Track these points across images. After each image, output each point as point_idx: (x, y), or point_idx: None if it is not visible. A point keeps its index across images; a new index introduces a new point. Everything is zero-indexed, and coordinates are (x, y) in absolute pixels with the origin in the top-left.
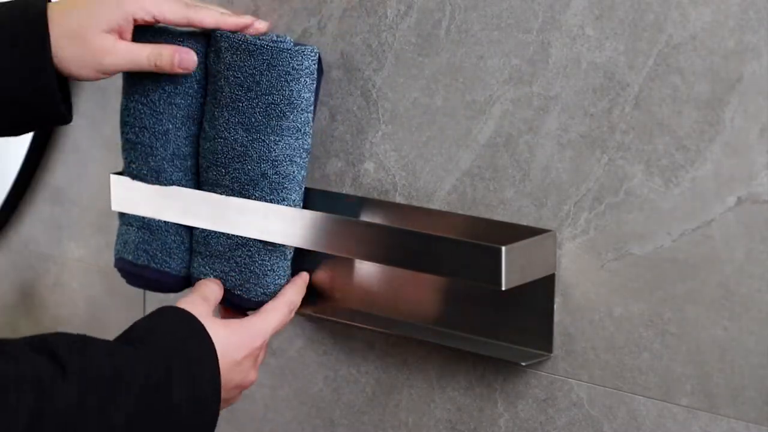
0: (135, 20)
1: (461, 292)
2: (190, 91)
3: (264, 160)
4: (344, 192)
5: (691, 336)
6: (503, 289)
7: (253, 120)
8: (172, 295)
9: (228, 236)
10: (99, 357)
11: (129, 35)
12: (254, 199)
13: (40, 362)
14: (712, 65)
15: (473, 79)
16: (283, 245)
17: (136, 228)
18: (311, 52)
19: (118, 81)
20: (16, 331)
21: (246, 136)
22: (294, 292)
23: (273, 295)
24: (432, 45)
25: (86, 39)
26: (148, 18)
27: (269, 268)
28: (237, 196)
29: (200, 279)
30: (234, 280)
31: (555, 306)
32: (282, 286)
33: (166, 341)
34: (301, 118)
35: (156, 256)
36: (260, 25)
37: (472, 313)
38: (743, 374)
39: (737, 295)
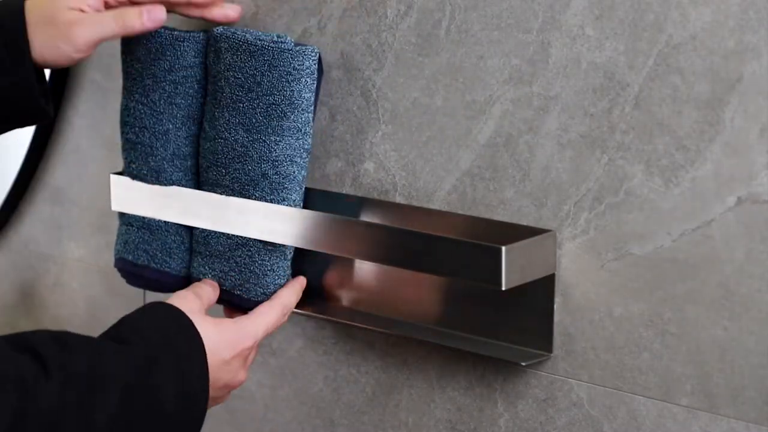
0: None
1: (461, 292)
2: (191, 91)
3: (264, 160)
4: (344, 192)
5: (691, 336)
6: (503, 289)
7: (253, 120)
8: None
9: (228, 236)
10: (82, 354)
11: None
12: (254, 199)
13: (23, 361)
14: (712, 65)
15: (473, 79)
16: (283, 245)
17: (136, 228)
18: (312, 52)
19: (118, 81)
20: (16, 331)
21: (246, 137)
22: (289, 294)
23: (273, 294)
24: (432, 45)
25: (55, 18)
26: None
27: (269, 268)
28: (237, 196)
29: (200, 279)
30: (234, 280)
31: (555, 306)
32: (282, 286)
33: (154, 336)
34: (301, 119)
35: (156, 256)
36: (231, 12)
37: (472, 313)
38: (743, 374)
39: (737, 295)
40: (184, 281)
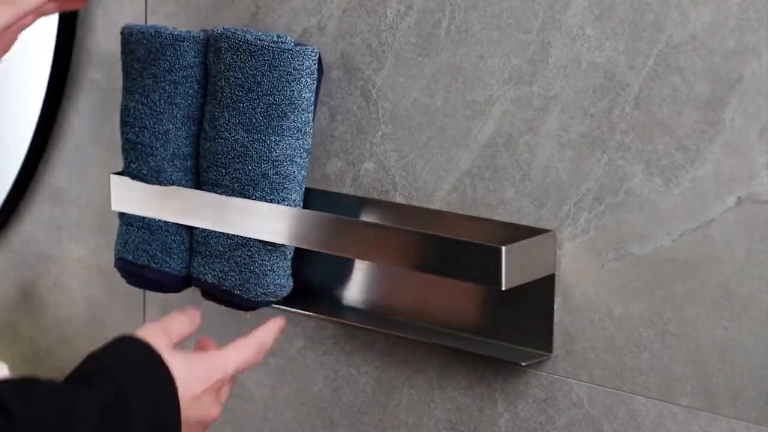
0: None
1: (461, 292)
2: (191, 91)
3: (264, 160)
4: (344, 192)
5: (691, 336)
6: (503, 289)
7: (253, 120)
8: (171, 296)
9: (228, 236)
10: (47, 399)
11: None
12: (254, 199)
13: None
14: (712, 65)
15: (473, 79)
16: (283, 245)
17: (136, 228)
18: (312, 52)
19: (118, 81)
20: (16, 331)
21: (246, 137)
22: (267, 333)
23: (273, 294)
24: (432, 45)
25: None
26: None
27: (269, 268)
28: (237, 196)
29: (200, 279)
30: (234, 280)
31: (555, 306)
32: (282, 286)
33: (121, 371)
34: (301, 119)
35: (156, 256)
36: None
37: (472, 313)
38: (743, 374)
39: (737, 295)
40: (184, 281)
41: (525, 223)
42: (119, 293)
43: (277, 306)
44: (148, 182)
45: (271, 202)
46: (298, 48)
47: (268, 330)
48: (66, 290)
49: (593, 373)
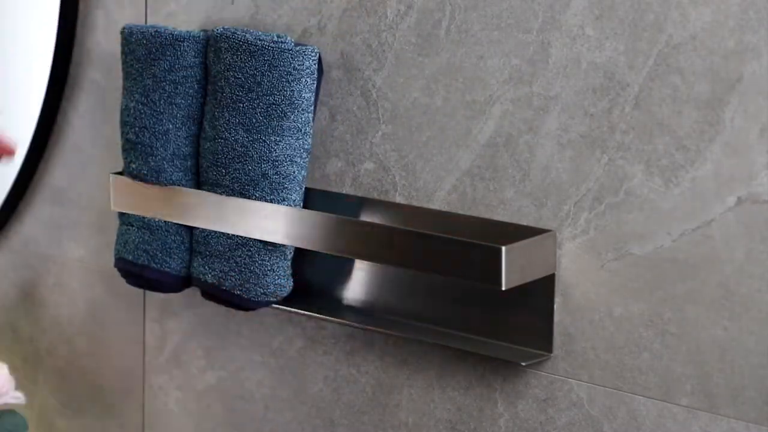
0: None
1: (461, 292)
2: (191, 91)
3: (264, 160)
4: (344, 192)
5: (691, 336)
6: (503, 289)
7: (253, 120)
8: (171, 296)
9: (228, 236)
10: None
11: None
12: (254, 199)
13: None
14: (712, 65)
15: (473, 79)
16: (283, 245)
17: (136, 228)
18: (312, 52)
19: (118, 81)
20: (17, 331)
21: (246, 137)
22: None
23: (273, 294)
24: (432, 45)
25: None
26: None
27: (269, 268)
28: (237, 196)
29: (200, 279)
30: (234, 280)
31: (555, 306)
32: (282, 286)
33: None
34: (301, 119)
35: (156, 256)
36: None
37: (472, 313)
38: (743, 374)
39: (737, 295)
40: (184, 281)
41: (525, 223)
42: (119, 293)
43: (277, 306)
44: (148, 182)
45: (271, 202)
46: (298, 48)
47: None
48: (66, 290)
49: (593, 373)
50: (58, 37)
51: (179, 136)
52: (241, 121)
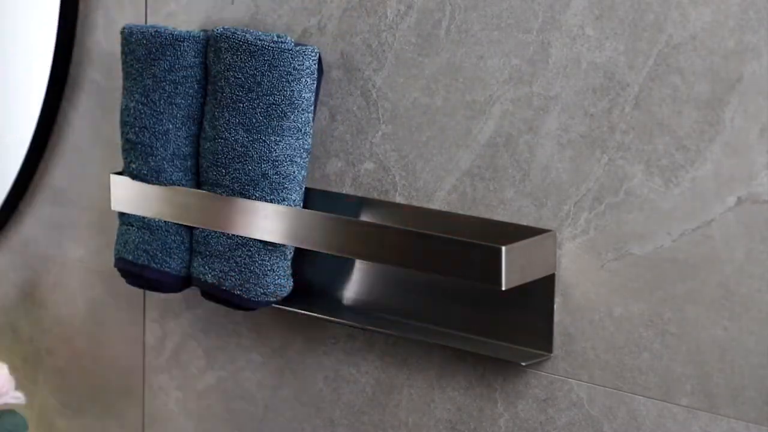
0: None
1: (461, 292)
2: (191, 91)
3: (264, 160)
4: (344, 192)
5: (691, 336)
6: (503, 289)
7: (253, 120)
8: (171, 296)
9: (228, 236)
10: None
11: None
12: (254, 199)
13: None
14: (712, 65)
15: (473, 79)
16: (283, 245)
17: (136, 228)
18: (312, 52)
19: (118, 81)
20: (17, 331)
21: (246, 137)
22: None
23: (273, 294)
24: (432, 45)
25: None
26: None
27: (269, 268)
28: (237, 196)
29: (200, 279)
30: (234, 280)
31: (555, 306)
32: (282, 286)
33: None
34: (301, 119)
35: (156, 256)
36: None
37: (472, 313)
38: (743, 374)
39: (737, 295)
40: (184, 281)
41: (525, 223)
42: (119, 293)
43: (277, 306)
44: (148, 182)
45: (271, 202)
46: (298, 48)
47: None
48: (66, 290)
49: (593, 373)
50: (58, 37)
51: (179, 136)
52: (241, 121)
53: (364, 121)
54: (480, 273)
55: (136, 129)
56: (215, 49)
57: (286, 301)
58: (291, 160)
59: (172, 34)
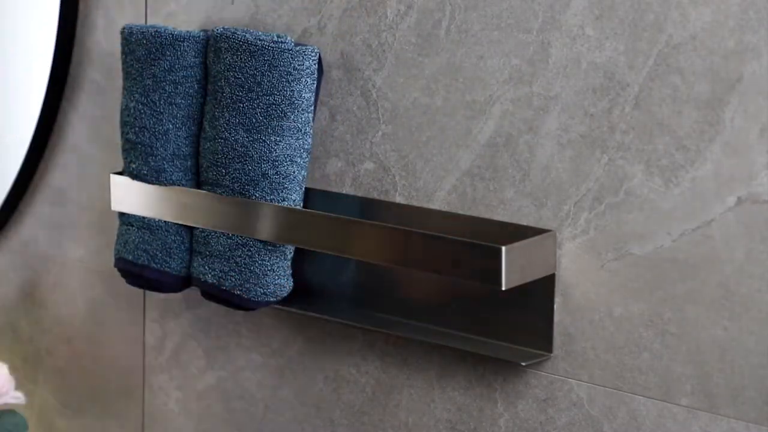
0: None
1: (461, 292)
2: (191, 91)
3: (264, 160)
4: (344, 192)
5: (691, 336)
6: (503, 289)
7: (253, 120)
8: (171, 296)
9: (228, 236)
10: None
11: None
12: (254, 199)
13: None
14: (712, 65)
15: (473, 79)
16: (283, 245)
17: (136, 228)
18: (312, 52)
19: (118, 81)
20: (17, 331)
21: (247, 137)
22: None
23: (273, 294)
24: (432, 45)
25: None
26: None
27: (269, 268)
28: (237, 196)
29: (200, 279)
30: (234, 280)
31: (555, 306)
32: (282, 286)
33: None
34: (301, 118)
35: (156, 256)
36: None
37: (472, 313)
38: (743, 374)
39: (737, 295)
40: (184, 281)
41: (525, 223)
42: (119, 293)
43: (277, 306)
44: (148, 182)
45: (271, 202)
46: (298, 48)
47: None
48: (66, 290)
49: (593, 373)
50: (58, 37)
51: (179, 136)
52: (241, 121)
53: (364, 121)
54: (480, 273)
55: (136, 129)
56: (215, 49)
57: (286, 301)
58: (291, 160)
59: (172, 34)
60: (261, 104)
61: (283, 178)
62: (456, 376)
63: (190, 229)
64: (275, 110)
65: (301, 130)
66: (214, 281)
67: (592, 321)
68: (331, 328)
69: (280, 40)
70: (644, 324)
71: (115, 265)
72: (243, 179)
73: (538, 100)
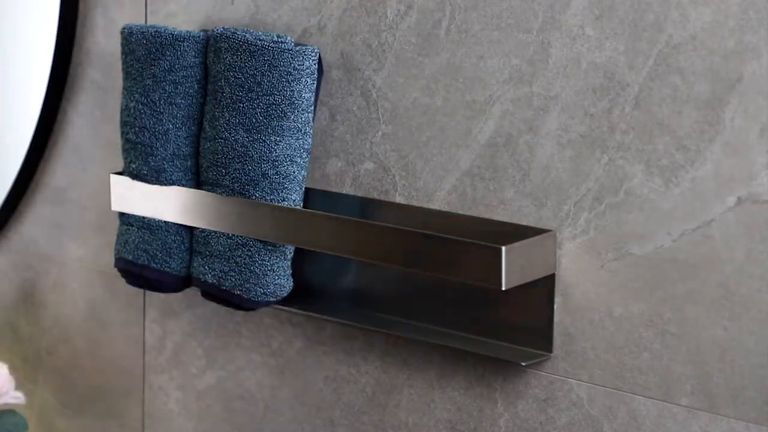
0: None
1: (461, 292)
2: (191, 91)
3: (264, 160)
4: (344, 192)
5: (691, 336)
6: (503, 289)
7: (253, 120)
8: (171, 296)
9: (228, 236)
10: None
11: None
12: (254, 199)
13: None
14: (712, 65)
15: (473, 79)
16: (283, 245)
17: (136, 228)
18: (312, 52)
19: (118, 81)
20: (16, 331)
21: (247, 137)
22: None
23: (273, 294)
24: (432, 45)
25: None
26: None
27: (269, 268)
28: (237, 196)
29: (200, 279)
30: (234, 280)
31: (555, 306)
32: (282, 286)
33: None
34: (301, 119)
35: (156, 256)
36: None
37: (472, 313)
38: (743, 374)
39: (737, 295)
40: (184, 281)
41: (525, 223)
42: (119, 293)
43: (277, 306)
44: (148, 182)
45: (271, 202)
46: (298, 48)
47: None
48: (66, 290)
49: (593, 373)
50: (58, 37)
51: (179, 136)
52: (241, 121)
53: (364, 121)
54: (480, 273)
55: (136, 129)
56: (215, 49)
57: (286, 301)
58: (291, 160)
59: (172, 34)
60: (261, 104)
61: (283, 178)
62: (456, 376)
63: (190, 229)
64: (275, 110)
65: (301, 130)
66: (214, 281)
67: (592, 321)
68: (331, 328)
69: (280, 40)
70: (644, 324)
71: (115, 265)
72: (243, 179)
73: (538, 100)
